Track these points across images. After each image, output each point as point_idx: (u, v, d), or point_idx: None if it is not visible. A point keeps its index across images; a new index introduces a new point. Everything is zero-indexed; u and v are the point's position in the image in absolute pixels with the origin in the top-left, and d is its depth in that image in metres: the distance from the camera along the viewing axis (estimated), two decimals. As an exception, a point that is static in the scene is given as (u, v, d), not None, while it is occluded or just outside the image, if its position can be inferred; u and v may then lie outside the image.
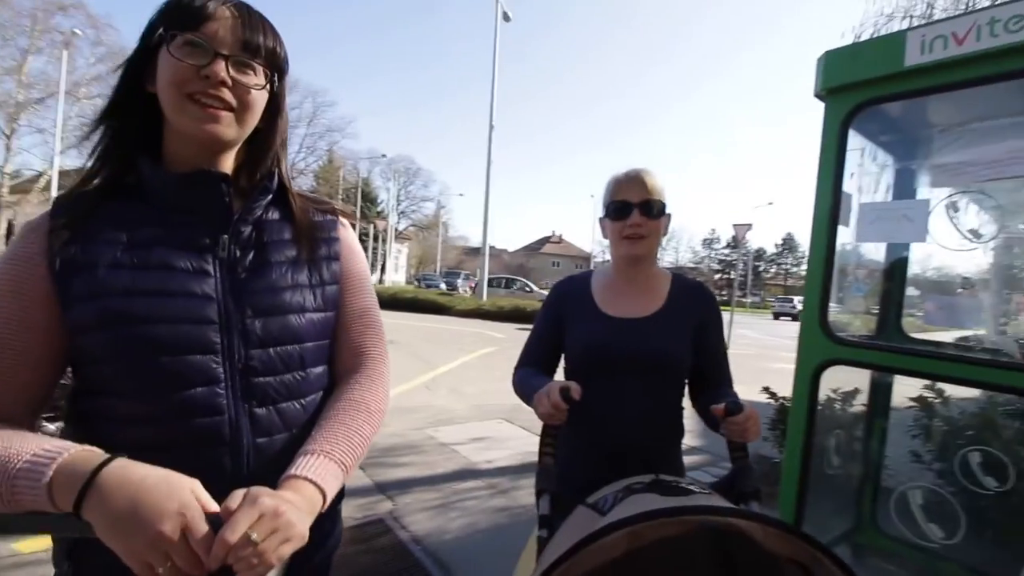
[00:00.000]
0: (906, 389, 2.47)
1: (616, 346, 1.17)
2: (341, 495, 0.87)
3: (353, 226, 0.94)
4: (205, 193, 0.73)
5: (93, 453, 0.58)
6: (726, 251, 67.67)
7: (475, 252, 44.92)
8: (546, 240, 78.35)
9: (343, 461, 0.71)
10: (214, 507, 0.57)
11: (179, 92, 0.68)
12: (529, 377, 1.20)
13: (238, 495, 0.57)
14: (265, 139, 0.80)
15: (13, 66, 23.67)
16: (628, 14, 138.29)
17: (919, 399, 2.50)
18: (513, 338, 11.57)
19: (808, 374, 1.66)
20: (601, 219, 1.30)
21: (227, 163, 0.77)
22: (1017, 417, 2.14)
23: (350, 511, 2.83)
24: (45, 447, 0.57)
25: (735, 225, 12.49)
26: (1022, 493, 1.88)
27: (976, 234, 1.58)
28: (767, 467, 3.85)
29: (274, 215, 0.81)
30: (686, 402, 1.26)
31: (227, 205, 0.74)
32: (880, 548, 2.26)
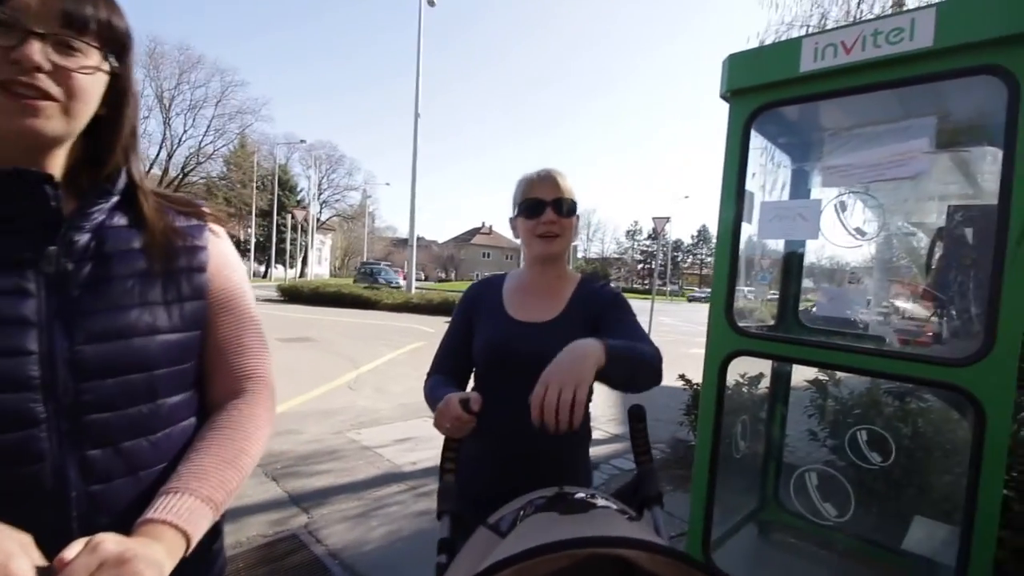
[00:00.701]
0: (806, 372, 2.67)
1: (515, 350, 1.14)
2: (218, 532, 0.80)
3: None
4: (23, 197, 0.61)
5: None
6: (647, 242, 70.90)
7: (404, 243, 43.94)
8: (476, 231, 78.19)
9: (212, 497, 0.63)
10: (44, 562, 0.49)
11: None
12: (437, 387, 1.14)
13: (78, 544, 0.50)
14: (109, 129, 0.68)
15: None
16: (552, 5, 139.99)
17: (815, 382, 2.70)
18: (442, 331, 11.41)
19: (716, 364, 1.72)
20: (512, 219, 1.28)
21: (56, 161, 0.65)
22: (896, 396, 2.37)
23: (260, 528, 2.64)
24: None
25: (654, 218, 13.08)
26: (902, 466, 2.08)
27: (860, 232, 1.70)
28: (683, 450, 4.05)
29: (120, 221, 0.69)
30: (602, 401, 1.24)
31: (54, 210, 0.62)
32: (783, 524, 2.42)
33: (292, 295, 17.82)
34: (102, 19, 0.62)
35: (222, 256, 0.78)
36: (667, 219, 13.00)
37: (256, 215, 37.80)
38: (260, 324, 0.81)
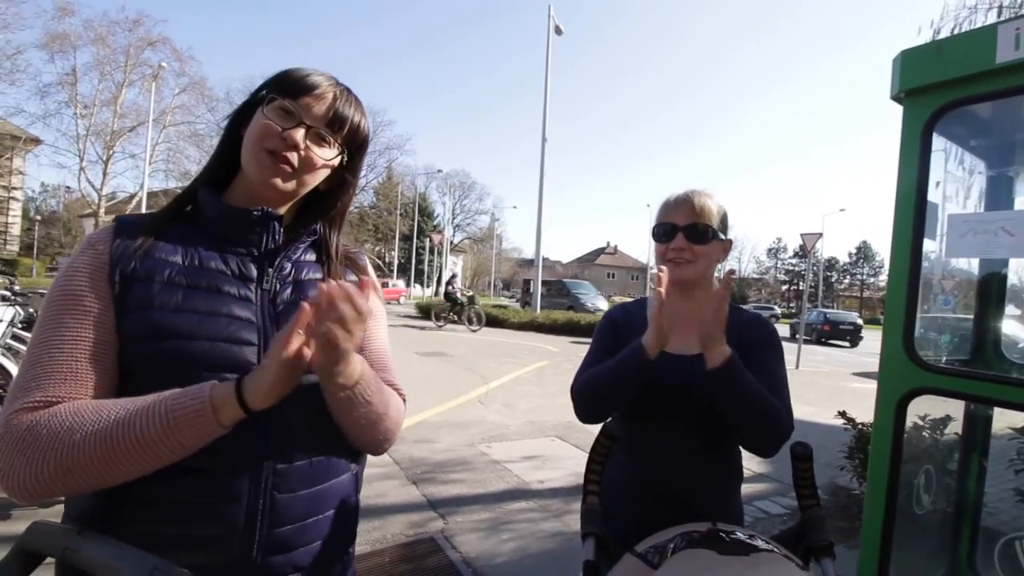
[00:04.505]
0: (1007, 417, 2.19)
1: (661, 382, 1.10)
2: (352, 540, 0.89)
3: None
4: (258, 229, 0.80)
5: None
6: (794, 261, 64.30)
7: (529, 264, 45.05)
8: (600, 251, 77.56)
9: (381, 391, 0.81)
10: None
11: (258, 145, 0.77)
12: (599, 366, 1.12)
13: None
14: (325, 202, 0.89)
15: (110, 98, 26.57)
16: (681, 25, 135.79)
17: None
18: (567, 351, 11.43)
19: (892, 404, 1.49)
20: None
21: (282, 209, 0.84)
22: None
23: (401, 527, 2.86)
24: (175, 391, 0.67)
25: (803, 234, 11.77)
26: None
27: (1092, 248, 1.37)
28: (844, 499, 3.56)
29: (310, 257, 0.89)
30: None
31: (277, 243, 0.82)
32: (981, 599, 2.00)
33: (428, 312, 19.18)
34: (354, 124, 0.82)
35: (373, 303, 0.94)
36: (819, 235, 11.68)
37: (399, 239, 41.53)
38: (391, 352, 0.96)
